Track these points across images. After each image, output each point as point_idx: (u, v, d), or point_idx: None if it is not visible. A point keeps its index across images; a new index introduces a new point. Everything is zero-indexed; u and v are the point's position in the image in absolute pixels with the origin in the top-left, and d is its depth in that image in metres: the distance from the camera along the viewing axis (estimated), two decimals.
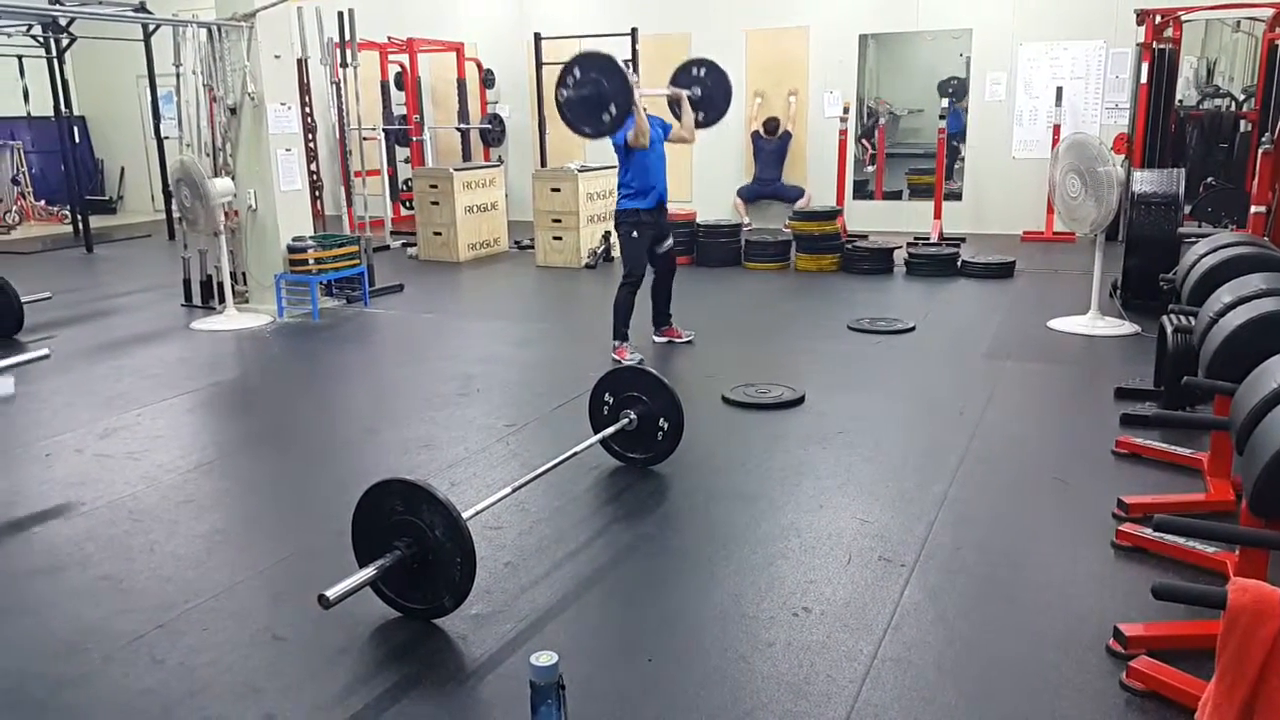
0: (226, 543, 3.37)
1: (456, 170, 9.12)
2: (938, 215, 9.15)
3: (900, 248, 8.08)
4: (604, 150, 9.60)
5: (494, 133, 11.64)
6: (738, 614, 2.76)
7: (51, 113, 10.81)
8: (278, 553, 3.25)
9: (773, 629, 2.68)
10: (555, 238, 8.67)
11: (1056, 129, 8.91)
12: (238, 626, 2.77)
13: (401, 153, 11.38)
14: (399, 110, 11.29)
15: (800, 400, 4.61)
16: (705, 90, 5.75)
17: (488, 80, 11.60)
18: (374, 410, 4.85)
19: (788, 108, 10.33)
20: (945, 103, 9.29)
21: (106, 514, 3.54)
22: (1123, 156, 5.80)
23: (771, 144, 10.29)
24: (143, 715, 2.35)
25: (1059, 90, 9.07)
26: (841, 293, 7.28)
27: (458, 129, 11.27)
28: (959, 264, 7.71)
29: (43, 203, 12.75)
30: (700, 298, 5.86)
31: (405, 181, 11.28)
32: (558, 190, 8.58)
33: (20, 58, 10.99)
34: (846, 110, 9.84)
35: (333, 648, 2.63)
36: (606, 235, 8.76)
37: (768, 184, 10.33)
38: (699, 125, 5.74)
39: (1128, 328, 5.77)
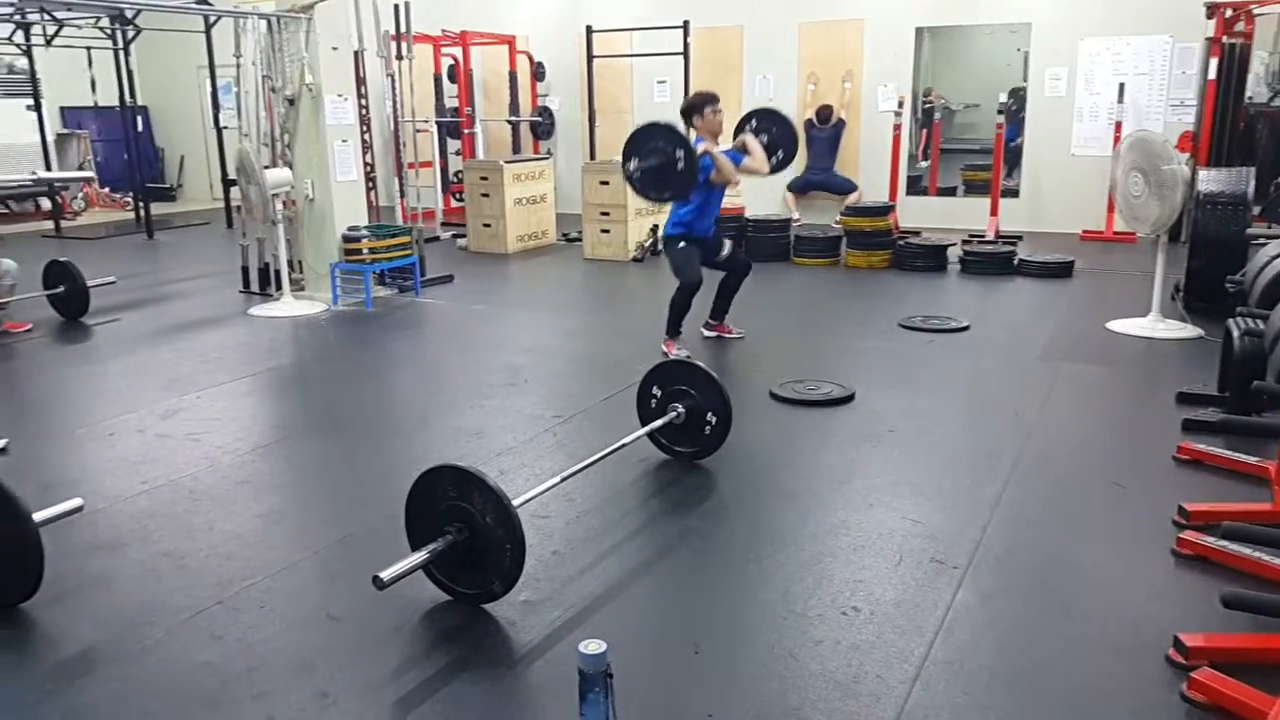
0: (282, 523, 3.44)
1: (506, 163, 9.18)
2: (994, 212, 9.01)
3: (954, 245, 7.97)
4: None
5: (544, 125, 11.69)
6: (785, 610, 2.75)
7: (116, 103, 11.10)
8: (332, 534, 3.31)
9: (821, 627, 2.66)
10: (603, 230, 8.69)
11: (1118, 126, 8.72)
12: (293, 605, 2.82)
13: (452, 145, 11.49)
14: (451, 103, 11.41)
15: (850, 398, 4.57)
16: (771, 137, 5.67)
17: (538, 73, 11.65)
18: (425, 398, 4.91)
19: (842, 94, 10.20)
20: (1003, 97, 9.12)
21: (168, 493, 3.63)
22: (1188, 155, 5.64)
23: (825, 132, 10.16)
24: (202, 688, 2.40)
25: (1121, 86, 8.87)
26: (893, 290, 7.20)
27: (508, 122, 11.34)
28: (1015, 262, 7.58)
29: (107, 190, 13.08)
30: (748, 293, 5.82)
31: (456, 173, 11.38)
32: (606, 183, 8.59)
33: (89, 49, 11.28)
34: (901, 105, 9.71)
35: (385, 628, 2.67)
36: (654, 229, 8.75)
37: (820, 173, 10.20)
38: (774, 170, 5.66)
39: (1190, 331, 5.63)
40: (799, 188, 10.32)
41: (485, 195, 9.08)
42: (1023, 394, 4.67)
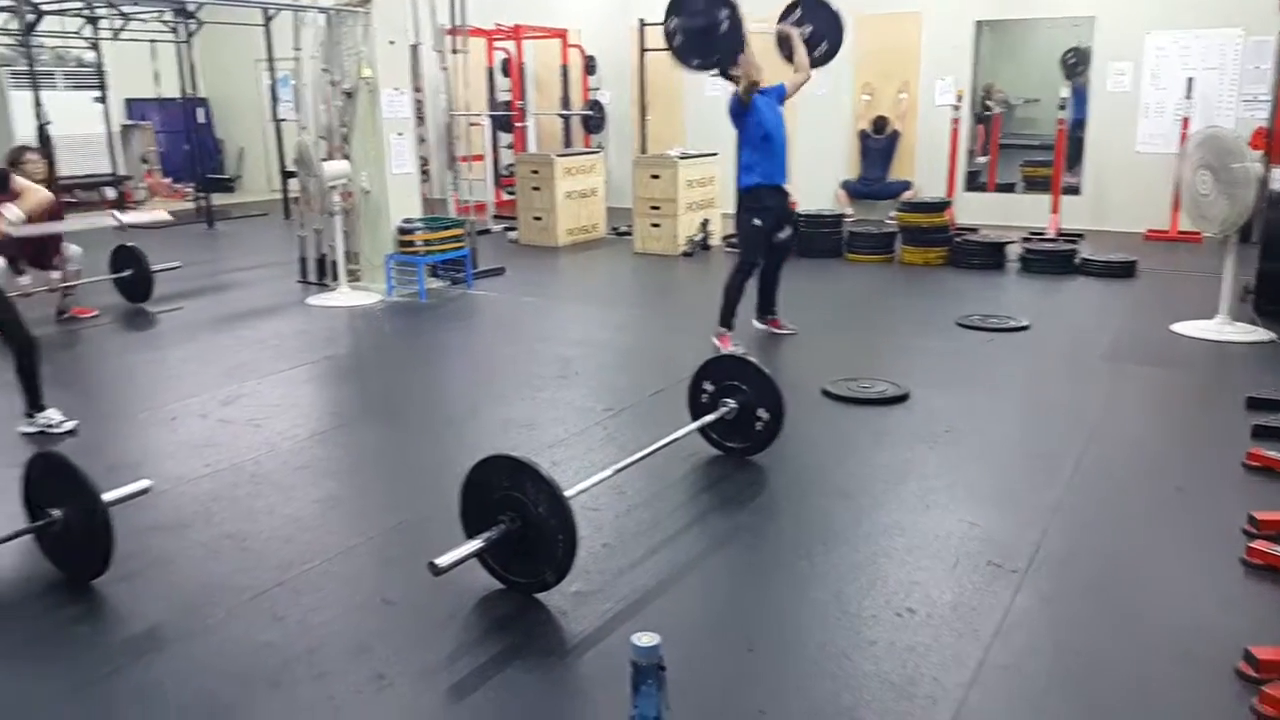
0: (340, 509, 3.49)
1: (558, 156, 9.22)
2: (1055, 210, 8.83)
3: (1014, 242, 7.83)
4: (706, 136, 9.63)
5: (595, 119, 11.71)
6: (839, 610, 2.72)
7: (178, 95, 11.34)
8: (387, 521, 3.35)
9: (875, 628, 2.63)
10: (653, 225, 8.68)
11: (1185, 122, 8.49)
12: (350, 589, 2.87)
13: (503, 138, 11.56)
14: (503, 96, 11.47)
15: (905, 397, 4.51)
16: (816, 27, 5.60)
17: (590, 67, 11.67)
18: (477, 388, 4.95)
19: (896, 105, 10.09)
20: (1065, 91, 8.93)
21: (229, 476, 3.70)
22: (1261, 152, 5.46)
23: (879, 143, 10.08)
24: (263, 668, 2.45)
25: (1190, 81, 8.63)
26: (950, 287, 7.09)
27: (559, 115, 11.38)
28: (1077, 261, 7.42)
29: (169, 180, 13.38)
30: (801, 289, 5.79)
31: (507, 167, 11.45)
32: (657, 177, 8.58)
33: (153, 42, 11.53)
34: (960, 98, 9.55)
35: (439, 614, 2.70)
36: (705, 223, 8.73)
37: (873, 184, 10.11)
38: (815, 63, 5.57)
39: (1261, 334, 5.46)
40: (852, 193, 10.19)
41: (536, 189, 9.13)
42: (1084, 396, 4.57)
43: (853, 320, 6.37)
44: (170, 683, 2.42)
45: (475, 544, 2.68)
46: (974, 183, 10.31)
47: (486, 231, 9.60)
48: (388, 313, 6.62)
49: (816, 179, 10.11)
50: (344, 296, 6.90)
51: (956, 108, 9.49)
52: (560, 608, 2.73)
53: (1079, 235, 8.46)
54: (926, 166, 9.95)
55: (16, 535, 2.89)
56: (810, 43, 5.56)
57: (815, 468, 3.81)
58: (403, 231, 7.04)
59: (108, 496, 2.83)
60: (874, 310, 6.67)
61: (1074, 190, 9.48)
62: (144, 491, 3.08)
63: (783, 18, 5.62)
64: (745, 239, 5.43)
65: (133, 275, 6.72)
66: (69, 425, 4.17)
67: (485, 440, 4.03)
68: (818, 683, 2.39)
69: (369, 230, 7.17)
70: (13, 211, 4.01)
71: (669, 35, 5.00)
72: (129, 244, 6.76)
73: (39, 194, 4.27)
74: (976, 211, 9.58)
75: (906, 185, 9.87)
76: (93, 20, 10.44)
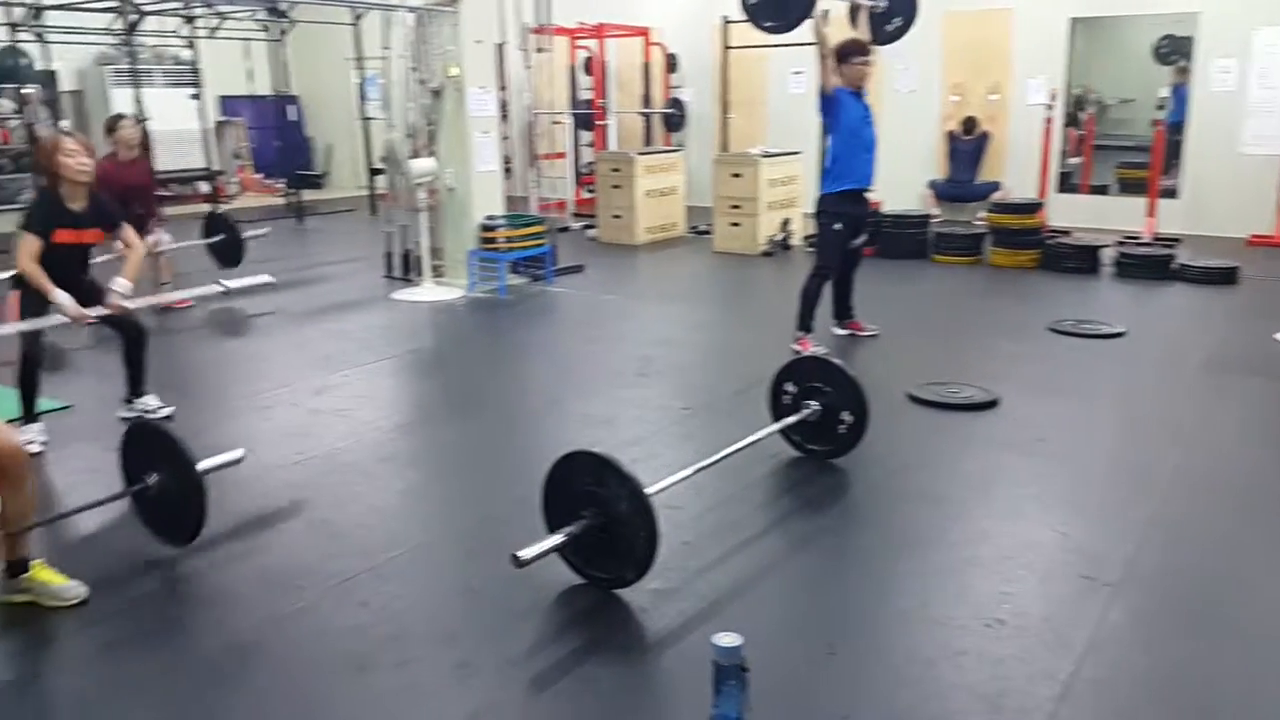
0: (423, 499, 3.56)
1: (639, 155, 9.24)
2: (1151, 213, 8.51)
3: (1108, 246, 7.57)
4: (789, 135, 9.55)
5: (675, 117, 11.70)
6: (924, 618, 2.67)
7: (270, 92, 11.68)
8: (469, 513, 3.41)
9: (963, 637, 2.57)
10: (733, 224, 8.63)
11: None
12: (435, 577, 2.93)
13: (584, 136, 11.63)
14: (584, 95, 11.54)
15: (993, 403, 4.40)
16: (891, 3, 5.52)
17: (672, 65, 11.66)
18: (556, 384, 4.99)
19: (986, 106, 9.85)
20: (1164, 90, 8.60)
21: (319, 464, 3.80)
22: None
23: (968, 145, 9.85)
24: (350, 652, 2.51)
25: None
26: (1041, 291, 6.89)
27: (640, 113, 11.40)
28: (1174, 266, 7.14)
29: (260, 176, 13.79)
30: (885, 291, 5.70)
31: (587, 165, 11.52)
32: (739, 176, 8.54)
33: (247, 40, 11.90)
34: (1053, 98, 9.28)
35: (521, 606, 2.72)
36: (786, 223, 8.65)
37: (961, 186, 9.87)
38: (887, 39, 5.50)
39: None
40: (939, 194, 9.97)
41: (616, 187, 9.16)
42: (1181, 406, 4.40)
43: (939, 323, 6.23)
44: (260, 661, 2.50)
45: (557, 538, 2.70)
46: (1066, 184, 10.00)
47: (566, 229, 9.67)
48: (469, 308, 6.72)
49: (901, 179, 9.90)
50: (427, 292, 7.02)
51: (1050, 107, 9.22)
52: (640, 605, 2.73)
53: (1176, 240, 8.14)
54: (1017, 168, 9.69)
55: (115, 498, 3.03)
56: (882, 17, 5.47)
57: (900, 473, 3.74)
58: (485, 228, 7.13)
59: (202, 464, 2.93)
60: (961, 313, 6.53)
61: (1171, 193, 9.12)
62: (237, 461, 3.19)
63: None
64: (824, 244, 5.38)
65: (225, 240, 7.12)
66: (165, 411, 4.33)
67: (565, 435, 4.06)
68: (903, 691, 2.35)
69: (452, 227, 7.28)
70: (122, 285, 4.09)
71: None
72: (219, 210, 7.03)
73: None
74: (1069, 214, 9.29)
75: (995, 186, 9.63)
76: (190, 20, 10.81)
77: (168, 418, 4.29)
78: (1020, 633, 2.58)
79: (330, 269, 8.21)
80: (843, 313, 5.62)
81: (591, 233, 9.58)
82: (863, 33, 5.38)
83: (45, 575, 2.73)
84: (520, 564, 2.56)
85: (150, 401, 4.34)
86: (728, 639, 2.17)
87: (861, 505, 3.53)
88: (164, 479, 2.97)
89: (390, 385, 5.07)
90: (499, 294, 6.99)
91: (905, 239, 8.09)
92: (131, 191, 5.80)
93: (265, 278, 4.70)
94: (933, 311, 6.57)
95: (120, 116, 6.38)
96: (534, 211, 8.18)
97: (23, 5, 8.49)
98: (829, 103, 5.16)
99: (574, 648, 2.55)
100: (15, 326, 3.83)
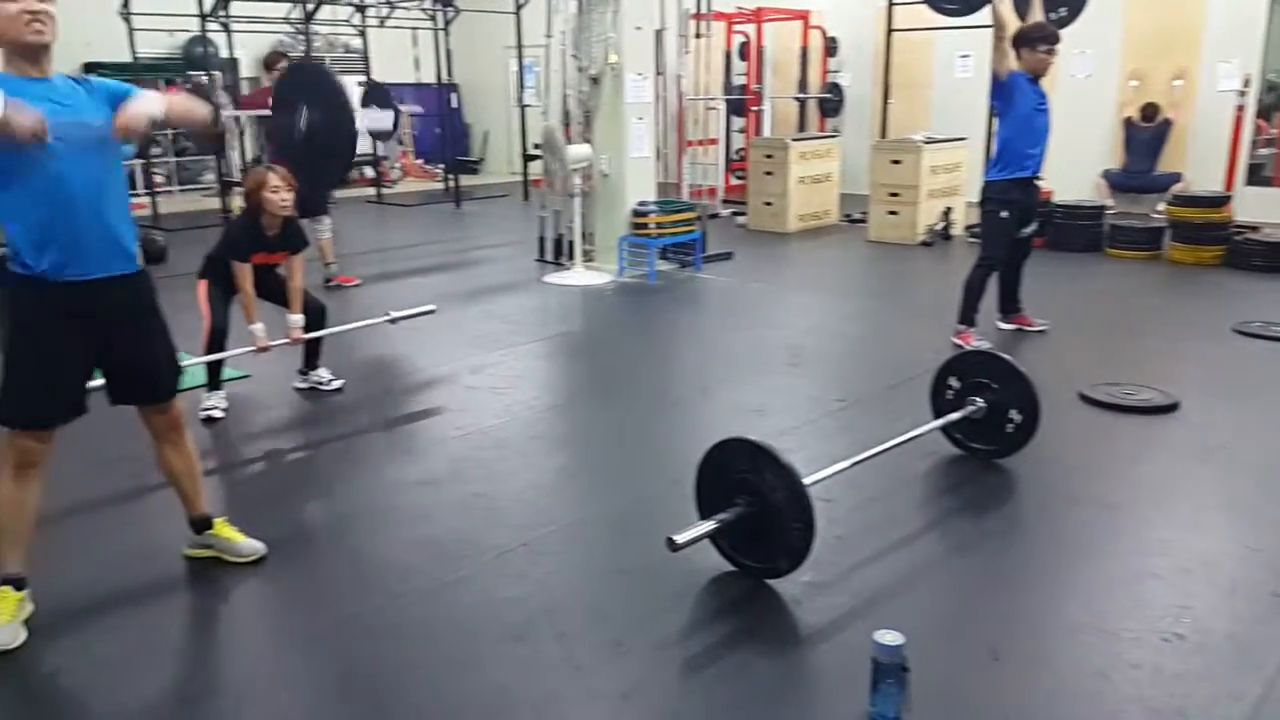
0: (576, 478, 3.63)
1: (793, 140, 9.09)
2: None
3: None
4: (954, 121, 9.20)
5: (832, 102, 11.46)
6: (1095, 628, 2.53)
7: (432, 80, 12.10)
8: (621, 493, 3.45)
9: (1138, 650, 2.42)
10: (891, 212, 8.39)
11: None
12: (588, 556, 2.98)
13: (735, 122, 11.54)
14: (738, 80, 11.45)
15: (1173, 406, 4.12)
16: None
17: (831, 48, 11.41)
18: (705, 371, 4.98)
19: (1170, 93, 9.19)
20: None
21: (476, 439, 3.93)
22: None
23: (1146, 133, 9.21)
24: (508, 622, 2.58)
25: None
26: (1226, 290, 6.41)
27: (795, 99, 11.22)
28: None
29: (420, 161, 14.34)
30: (1055, 285, 5.42)
31: (737, 151, 11.44)
32: (898, 163, 8.29)
33: (414, 30, 12.37)
34: (1246, 83, 8.57)
35: (673, 589, 2.73)
36: (947, 211, 8.34)
37: (1138, 177, 9.24)
38: (1056, 27, 5.24)
39: None
40: (1115, 184, 9.37)
41: (769, 173, 9.05)
42: None
43: (1113, 320, 5.88)
44: (422, 626, 2.59)
45: (710, 524, 2.70)
46: (1256, 177, 9.24)
47: (716, 216, 9.63)
48: (618, 293, 6.79)
49: (1074, 168, 9.37)
50: (578, 276, 7.14)
51: (1242, 94, 8.52)
52: (793, 595, 2.70)
53: None
54: (1200, 158, 9.01)
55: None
56: (1047, 7, 5.21)
57: (1071, 476, 3.55)
58: (637, 214, 7.19)
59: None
60: (1137, 310, 6.13)
61: None
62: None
63: None
64: (990, 232, 5.15)
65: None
66: (337, 383, 4.56)
67: (715, 422, 4.05)
68: (1072, 702, 2.24)
69: (605, 212, 7.37)
70: (296, 320, 4.26)
71: None
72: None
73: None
74: (1258, 208, 8.57)
75: (1176, 178, 8.99)
76: (361, 9, 11.32)
77: (338, 390, 4.52)
78: (1201, 649, 2.41)
79: (485, 252, 8.46)
80: (1009, 306, 5.38)
81: (741, 220, 9.52)
82: (1036, 16, 5.13)
83: (227, 532, 2.92)
84: (675, 547, 2.57)
85: (323, 374, 4.58)
86: (889, 637, 2.12)
87: (1028, 508, 3.38)
88: (314, 115, 2.88)
89: (543, 366, 5.18)
90: (648, 279, 7.04)
91: (1077, 231, 7.68)
92: None
93: (429, 307, 4.94)
94: (1106, 308, 6.20)
95: (281, 55, 6.74)
96: (685, 198, 8.19)
97: None
98: (1003, 88, 4.94)
99: (726, 634, 2.55)
100: (210, 358, 4.12)
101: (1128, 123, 9.36)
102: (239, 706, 2.29)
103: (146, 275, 2.68)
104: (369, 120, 7.76)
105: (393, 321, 4.86)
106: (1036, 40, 4.90)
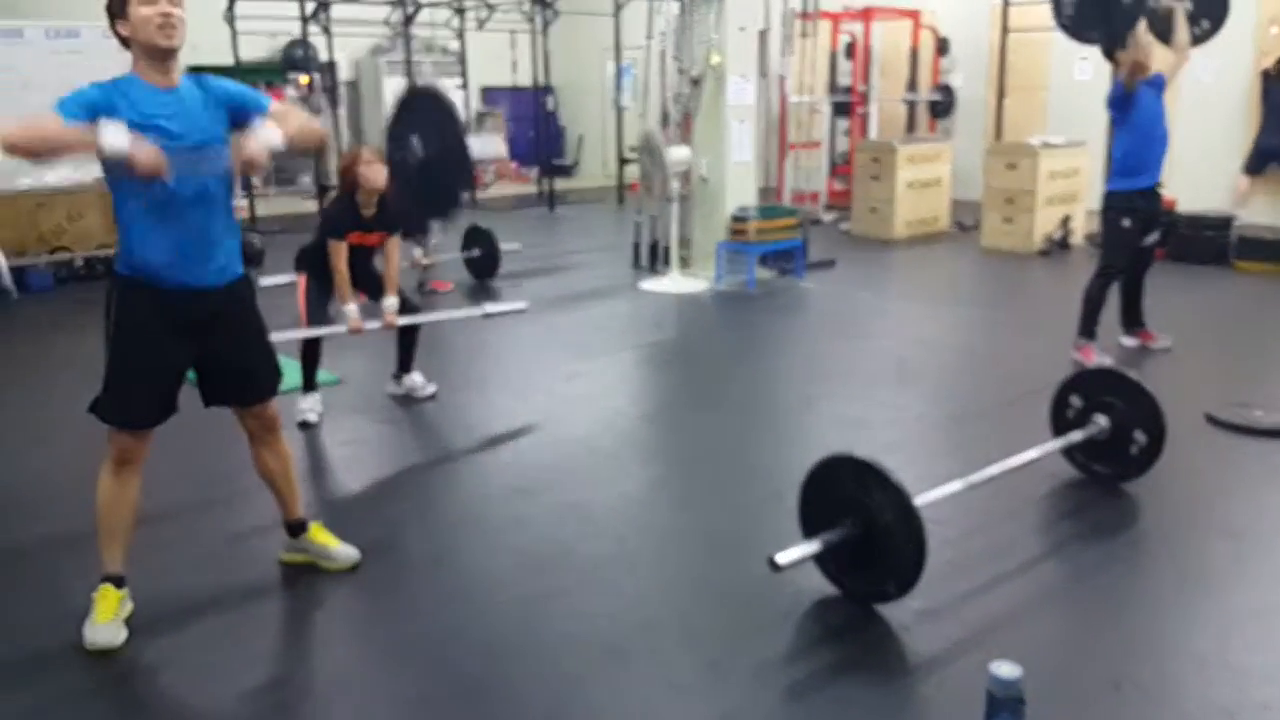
0: (672, 489, 3.55)
1: (901, 144, 8.83)
2: None
3: None
4: (1072, 124, 8.77)
5: (943, 104, 11.09)
6: (1222, 662, 2.35)
7: (529, 83, 12.16)
8: (718, 506, 3.35)
9: (1269, 688, 2.24)
10: (1005, 219, 8.06)
11: None
12: (683, 570, 2.89)
13: (839, 125, 11.28)
14: (843, 81, 11.19)
15: None
16: (1197, 3, 4.91)
17: (942, 48, 11.05)
18: (806, 382, 4.83)
19: None
20: None
21: (569, 448, 3.88)
22: None
23: None
24: (605, 637, 2.51)
25: None
26: None
27: (904, 100, 10.91)
28: None
29: (515, 164, 14.46)
30: (1178, 299, 5.10)
31: (841, 155, 11.18)
32: (1014, 167, 7.95)
33: (512, 33, 12.48)
34: None
35: (773, 610, 2.62)
36: (1066, 219, 7.97)
37: (1277, 134, 8.06)
38: (1197, 40, 4.94)
39: None
40: (1255, 163, 8.14)
41: (875, 178, 8.81)
42: None
43: (1243, 338, 5.50)
44: (520, 635, 2.54)
45: (815, 545, 2.57)
46: None
47: (818, 222, 9.42)
48: (715, 301, 6.67)
49: (1198, 171, 8.80)
50: (674, 283, 7.04)
51: None
52: (902, 622, 2.55)
53: None
54: None
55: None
56: (1193, 16, 4.88)
57: (1198, 502, 3.31)
58: (736, 220, 7.05)
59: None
60: (1269, 327, 5.72)
61: None
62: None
63: None
64: (1110, 241, 4.89)
65: (481, 254, 7.28)
66: (430, 390, 4.55)
67: (816, 436, 3.92)
68: None
69: (702, 217, 7.25)
70: (390, 303, 4.25)
71: (1057, 5, 4.57)
72: (481, 225, 7.34)
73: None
74: None
75: None
76: (460, 12, 11.45)
77: (431, 397, 4.51)
78: None
79: (579, 257, 8.44)
80: (1132, 320, 5.08)
81: (845, 226, 9.28)
82: (1180, 36, 4.80)
83: (323, 538, 2.92)
84: (778, 568, 2.46)
85: (417, 379, 4.56)
86: (1006, 668, 1.97)
87: (1152, 535, 3.15)
88: (430, 151, 2.85)
89: (637, 374, 5.11)
90: (747, 287, 6.90)
91: (1202, 242, 7.22)
92: None
93: (521, 304, 4.91)
94: (1233, 324, 5.81)
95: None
96: (786, 203, 8.02)
97: (317, 1, 9.29)
98: (1127, 100, 4.68)
99: (830, 660, 2.42)
100: (303, 333, 4.16)
101: (1264, 76, 8.32)
102: (329, 711, 2.28)
103: (248, 279, 2.71)
104: (479, 147, 7.81)
105: (486, 316, 4.84)
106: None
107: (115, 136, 2.19)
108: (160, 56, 2.40)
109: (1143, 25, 4.58)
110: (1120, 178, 4.82)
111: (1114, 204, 4.83)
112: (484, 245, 7.30)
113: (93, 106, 2.26)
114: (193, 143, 2.41)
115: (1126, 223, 4.78)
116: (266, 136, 2.44)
